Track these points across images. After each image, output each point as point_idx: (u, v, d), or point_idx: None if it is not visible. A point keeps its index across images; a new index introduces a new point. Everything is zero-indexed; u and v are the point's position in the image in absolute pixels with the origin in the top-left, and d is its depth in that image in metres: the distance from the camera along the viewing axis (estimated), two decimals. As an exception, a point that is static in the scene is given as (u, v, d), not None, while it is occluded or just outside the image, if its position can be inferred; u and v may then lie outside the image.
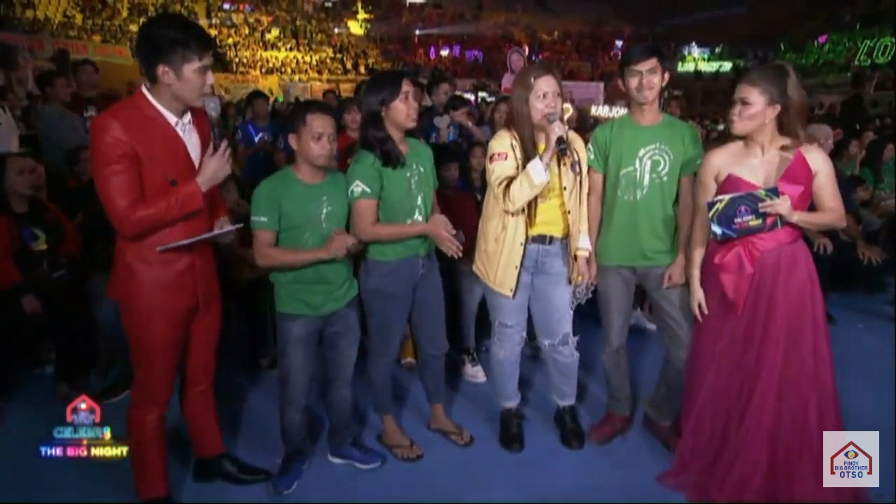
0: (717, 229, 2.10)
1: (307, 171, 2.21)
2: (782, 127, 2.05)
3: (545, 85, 2.22)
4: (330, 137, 2.15)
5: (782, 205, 1.98)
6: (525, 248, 2.36)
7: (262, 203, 2.15)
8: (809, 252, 2.15)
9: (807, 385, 2.08)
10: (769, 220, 2.02)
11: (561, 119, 2.19)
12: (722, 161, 2.17)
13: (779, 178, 2.05)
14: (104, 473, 2.33)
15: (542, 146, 2.28)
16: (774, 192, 1.99)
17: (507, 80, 8.15)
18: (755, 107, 2.01)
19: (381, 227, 2.31)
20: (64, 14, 22.77)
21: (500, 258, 2.38)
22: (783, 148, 2.07)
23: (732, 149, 2.17)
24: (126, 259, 1.93)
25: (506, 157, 2.29)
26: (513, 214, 2.33)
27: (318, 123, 2.13)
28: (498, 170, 2.30)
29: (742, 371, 2.16)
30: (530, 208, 2.32)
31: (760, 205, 2.00)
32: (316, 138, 2.13)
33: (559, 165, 2.31)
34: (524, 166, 2.24)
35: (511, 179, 2.24)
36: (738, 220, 2.05)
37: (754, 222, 2.04)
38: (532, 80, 2.23)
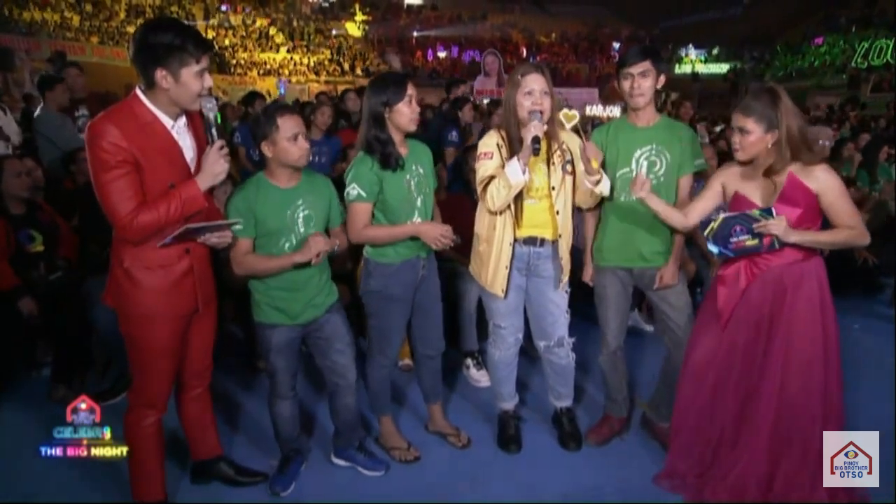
0: (713, 248, 2.10)
1: (283, 175, 2.17)
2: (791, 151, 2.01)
3: (532, 82, 2.22)
4: (304, 136, 2.14)
5: (777, 225, 1.96)
6: (514, 248, 2.36)
7: (234, 211, 2.13)
8: (824, 270, 2.11)
9: (818, 403, 2.07)
10: (766, 241, 2.00)
11: (544, 113, 2.19)
12: (733, 175, 2.18)
13: (775, 200, 2.04)
14: (103, 474, 2.33)
15: None
16: (769, 212, 1.97)
17: (479, 83, 8.07)
18: (754, 134, 2.01)
19: (372, 230, 2.31)
20: (61, 15, 22.73)
21: (490, 259, 2.39)
22: (766, 173, 2.06)
23: (744, 168, 2.16)
24: (125, 265, 1.91)
25: (491, 157, 2.30)
26: (499, 214, 2.33)
27: (291, 124, 2.11)
28: (481, 169, 2.31)
29: (742, 386, 2.16)
30: (516, 209, 2.32)
31: (755, 225, 1.99)
32: (293, 139, 2.11)
33: (548, 165, 2.31)
34: None
35: (492, 179, 2.25)
36: (733, 239, 2.04)
37: (751, 242, 2.02)
38: (520, 77, 2.24)
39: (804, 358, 2.06)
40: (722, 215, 2.07)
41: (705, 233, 2.09)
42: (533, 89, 2.22)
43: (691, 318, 2.46)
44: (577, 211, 2.51)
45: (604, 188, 2.31)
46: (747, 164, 2.14)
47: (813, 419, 2.08)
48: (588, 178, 2.24)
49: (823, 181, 1.99)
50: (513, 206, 2.31)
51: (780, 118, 1.97)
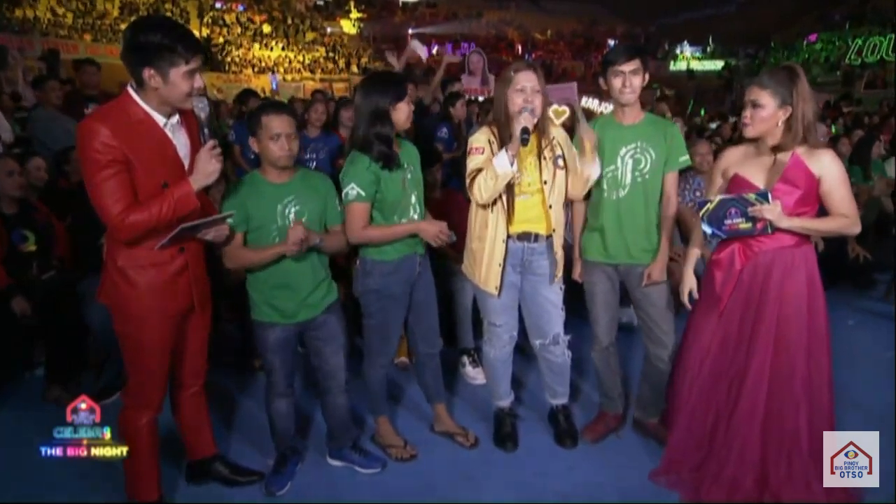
0: (706, 229, 2.10)
1: (273, 172, 2.20)
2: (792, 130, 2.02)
3: (524, 79, 2.23)
4: (289, 137, 2.14)
5: (771, 210, 1.96)
6: (507, 245, 2.36)
7: (227, 205, 2.14)
8: (815, 257, 2.12)
9: (799, 393, 2.08)
10: (759, 225, 2.01)
11: (536, 108, 2.19)
12: (733, 159, 2.19)
13: (777, 180, 2.04)
14: (99, 474, 2.32)
15: None
16: (765, 196, 1.98)
17: (465, 81, 8.14)
18: (766, 109, 2.00)
19: (372, 230, 2.31)
20: (53, 13, 22.56)
21: (483, 256, 2.39)
22: (775, 149, 2.06)
23: (746, 149, 2.17)
24: (118, 263, 1.91)
25: (482, 152, 2.31)
26: (491, 212, 2.33)
27: (275, 124, 2.11)
28: (471, 163, 2.32)
29: (732, 371, 2.17)
30: (509, 204, 2.32)
31: (750, 209, 1.99)
32: (274, 139, 2.11)
33: (540, 160, 2.31)
34: None
35: (480, 172, 2.26)
36: (727, 221, 2.04)
37: (744, 225, 2.03)
38: (512, 73, 2.25)
39: (788, 345, 2.06)
40: (719, 197, 2.08)
41: (700, 213, 2.09)
42: (525, 86, 2.23)
43: (672, 318, 2.47)
44: (567, 207, 2.51)
45: (593, 172, 2.32)
46: (751, 144, 2.14)
47: (796, 409, 2.08)
48: (582, 162, 2.27)
49: (827, 166, 1.99)
50: (505, 202, 2.31)
51: (795, 96, 1.97)
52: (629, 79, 2.28)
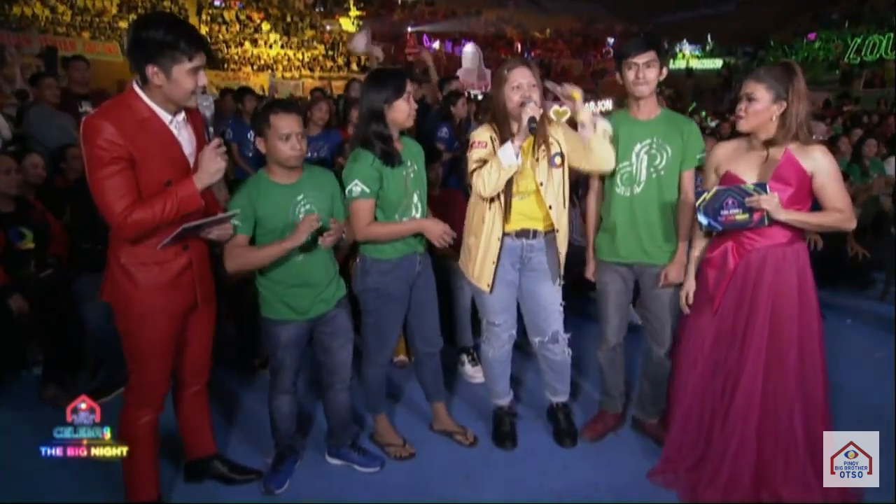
0: (702, 220, 2.09)
1: (280, 172, 2.17)
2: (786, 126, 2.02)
3: (519, 76, 2.23)
4: (299, 136, 2.11)
5: (769, 201, 1.96)
6: (503, 242, 2.34)
7: (234, 206, 2.11)
8: (807, 255, 2.11)
9: (793, 390, 2.08)
10: (756, 216, 2.00)
11: (536, 102, 2.17)
12: (724, 154, 2.18)
13: (770, 177, 2.04)
14: (96, 474, 2.31)
15: None
16: (763, 187, 1.97)
17: (461, 74, 8.14)
18: (760, 103, 2.00)
19: (377, 227, 2.29)
20: (51, 10, 22.49)
21: (478, 253, 2.38)
22: (766, 144, 2.05)
23: (738, 144, 2.17)
24: (121, 261, 1.90)
25: (485, 146, 2.30)
26: (489, 209, 2.32)
27: (284, 123, 2.08)
28: (474, 156, 2.31)
29: (726, 369, 2.17)
30: (506, 204, 2.30)
31: (747, 199, 1.99)
32: (284, 139, 2.09)
33: (534, 161, 2.30)
34: None
35: (484, 164, 2.24)
36: (724, 212, 2.04)
37: (741, 216, 2.02)
38: (506, 72, 2.25)
39: (780, 343, 2.06)
40: (716, 187, 2.08)
41: (697, 203, 2.08)
42: (521, 83, 2.22)
43: (676, 315, 2.45)
44: (573, 206, 2.50)
45: (584, 117, 2.22)
46: (744, 138, 2.13)
47: (790, 407, 2.08)
48: (580, 117, 2.22)
49: (819, 161, 1.99)
50: (502, 201, 2.30)
51: (790, 92, 1.97)
52: (643, 71, 2.25)
